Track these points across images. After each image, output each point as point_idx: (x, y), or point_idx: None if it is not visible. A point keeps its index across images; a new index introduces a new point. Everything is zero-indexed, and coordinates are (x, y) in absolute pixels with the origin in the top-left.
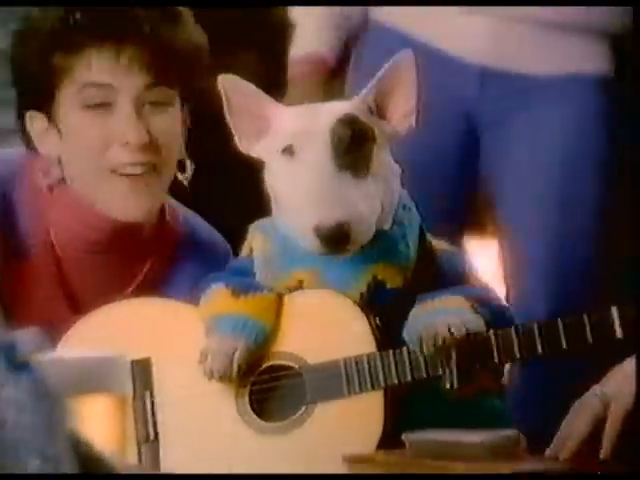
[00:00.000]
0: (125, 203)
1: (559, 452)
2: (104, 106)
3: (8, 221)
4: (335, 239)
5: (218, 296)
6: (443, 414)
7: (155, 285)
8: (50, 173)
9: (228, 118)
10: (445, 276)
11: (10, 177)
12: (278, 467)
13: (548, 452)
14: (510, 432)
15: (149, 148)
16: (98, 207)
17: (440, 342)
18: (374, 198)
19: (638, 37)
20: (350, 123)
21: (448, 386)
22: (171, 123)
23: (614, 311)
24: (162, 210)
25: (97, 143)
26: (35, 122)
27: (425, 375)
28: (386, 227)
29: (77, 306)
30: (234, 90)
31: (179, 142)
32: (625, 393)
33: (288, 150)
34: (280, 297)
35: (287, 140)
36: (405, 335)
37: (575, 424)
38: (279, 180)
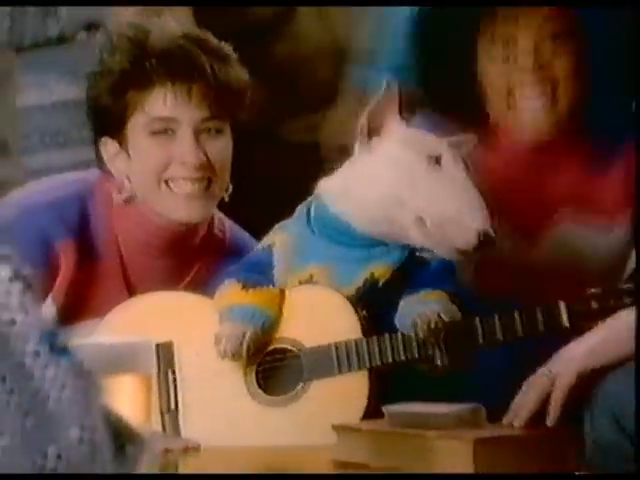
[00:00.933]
0: (184, 207)
1: (513, 420)
2: (167, 132)
3: (84, 230)
4: (486, 244)
5: (230, 289)
6: (418, 389)
7: (201, 285)
8: (122, 190)
9: (367, 113)
10: (427, 275)
11: (87, 194)
12: (279, 434)
13: (504, 421)
14: (473, 404)
15: (204, 167)
16: (161, 213)
17: (433, 326)
18: None
19: (639, 38)
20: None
21: (439, 363)
22: (224, 148)
23: (562, 305)
24: (211, 222)
25: (160, 162)
26: (108, 147)
27: (404, 357)
28: None
29: None
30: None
31: (229, 164)
32: (568, 372)
33: (437, 159)
34: (282, 292)
35: (435, 150)
36: (397, 322)
37: (527, 398)
38: (419, 180)
